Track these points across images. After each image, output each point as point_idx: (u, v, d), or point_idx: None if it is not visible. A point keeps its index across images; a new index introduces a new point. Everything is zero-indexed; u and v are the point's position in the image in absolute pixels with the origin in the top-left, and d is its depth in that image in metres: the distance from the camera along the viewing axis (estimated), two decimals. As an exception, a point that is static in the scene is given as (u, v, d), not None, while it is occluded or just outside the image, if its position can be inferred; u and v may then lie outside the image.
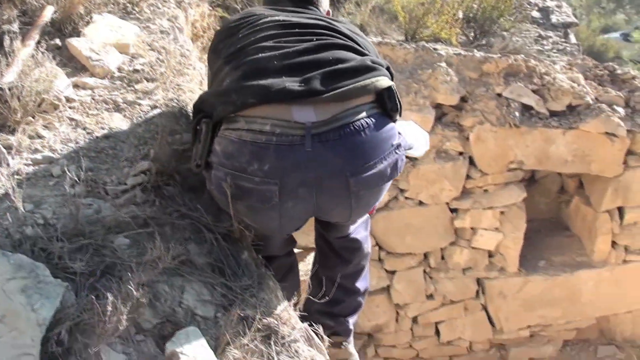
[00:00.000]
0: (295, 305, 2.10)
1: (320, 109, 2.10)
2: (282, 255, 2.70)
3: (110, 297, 1.77)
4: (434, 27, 6.07)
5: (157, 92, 2.91)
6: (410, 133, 2.57)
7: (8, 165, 2.31)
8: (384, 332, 6.50)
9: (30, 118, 2.54)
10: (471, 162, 5.79)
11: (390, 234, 6.00)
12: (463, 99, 5.62)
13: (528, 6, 8.11)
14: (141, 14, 3.46)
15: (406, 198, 5.87)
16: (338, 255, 2.75)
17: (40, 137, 2.51)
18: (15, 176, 2.27)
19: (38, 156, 2.41)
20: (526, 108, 5.61)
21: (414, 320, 6.55)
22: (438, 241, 6.13)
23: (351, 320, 2.89)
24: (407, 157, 2.38)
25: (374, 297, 6.27)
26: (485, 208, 5.94)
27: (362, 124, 2.11)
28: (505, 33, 7.11)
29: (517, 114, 5.50)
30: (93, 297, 1.79)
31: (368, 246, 2.82)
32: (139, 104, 2.82)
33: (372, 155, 2.14)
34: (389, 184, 2.32)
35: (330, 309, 2.79)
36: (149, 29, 3.45)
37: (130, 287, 1.81)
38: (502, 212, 6.01)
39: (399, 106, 2.26)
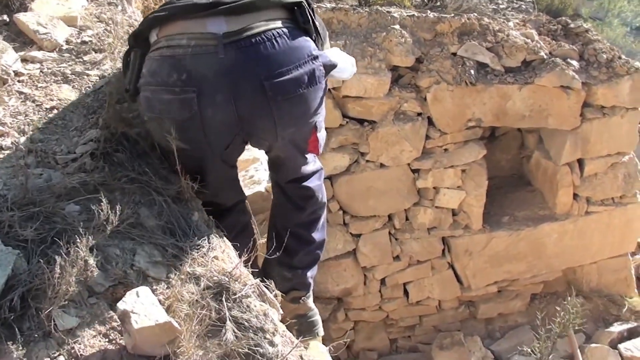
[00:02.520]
0: (247, 262, 2.12)
1: (232, 21, 2.26)
2: (233, 211, 2.71)
3: (58, 261, 1.78)
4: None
5: (105, 62, 2.92)
6: (333, 54, 2.67)
7: (-43, 140, 2.30)
8: (353, 296, 6.57)
9: None
10: (430, 122, 5.84)
11: (354, 198, 6.05)
12: (418, 60, 5.66)
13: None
14: None
15: (367, 161, 5.91)
16: (292, 202, 2.79)
17: None
18: (-34, 149, 2.27)
19: None
20: (481, 66, 5.67)
21: (382, 282, 6.62)
22: (402, 202, 6.18)
23: (309, 274, 2.90)
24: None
25: (340, 261, 6.35)
26: (447, 167, 6.01)
27: (273, 34, 2.27)
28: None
29: (472, 72, 5.56)
30: (43, 262, 1.80)
31: (323, 196, 2.84)
32: (88, 75, 2.82)
33: (285, 62, 2.28)
34: (314, 96, 2.41)
35: (287, 260, 2.82)
36: (96, 1, 3.43)
37: (79, 250, 1.82)
38: (463, 171, 6.08)
39: (312, 22, 2.39)
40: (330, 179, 5.92)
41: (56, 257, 1.81)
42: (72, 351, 1.72)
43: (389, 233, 6.38)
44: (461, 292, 6.84)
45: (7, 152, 2.35)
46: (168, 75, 2.26)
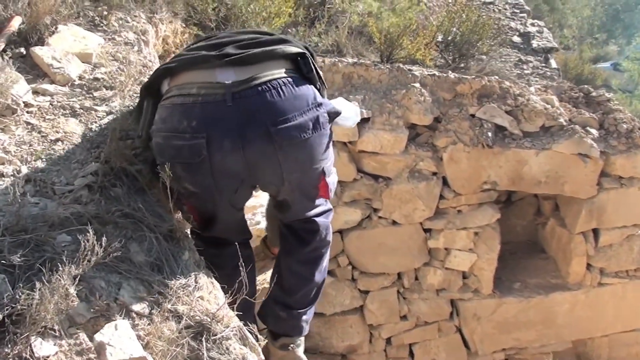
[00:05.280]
0: (232, 304, 2.11)
1: (239, 71, 2.39)
2: (236, 243, 2.71)
3: (39, 287, 1.78)
4: (409, 48, 6.13)
5: (115, 99, 2.99)
6: (337, 102, 2.81)
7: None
8: (357, 353, 6.45)
9: None
10: (445, 182, 5.81)
11: (364, 254, 6.01)
12: (437, 120, 5.66)
13: (509, 31, 8.21)
14: (109, 26, 3.57)
15: (379, 217, 5.88)
16: (296, 235, 2.84)
17: None
18: (-34, 175, 2.30)
19: None
20: (499, 129, 5.66)
21: (388, 341, 6.51)
22: (412, 261, 6.13)
23: (304, 317, 2.89)
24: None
25: (347, 316, 6.27)
26: (459, 228, 5.95)
27: (278, 82, 2.38)
28: (483, 57, 7.18)
29: (490, 134, 5.54)
30: (25, 289, 1.80)
31: (328, 234, 2.87)
32: (95, 110, 2.89)
33: (289, 109, 2.38)
34: (319, 142, 2.50)
35: (284, 298, 2.86)
36: (114, 41, 3.51)
37: (60, 278, 1.82)
38: (476, 233, 6.02)
39: (315, 72, 2.53)
40: (341, 233, 5.90)
41: (38, 283, 1.81)
42: (46, 379, 1.68)
43: (398, 292, 6.30)
44: (467, 357, 6.69)
45: (7, 179, 2.39)
46: (178, 122, 2.35)
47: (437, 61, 6.76)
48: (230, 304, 2.11)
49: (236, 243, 2.65)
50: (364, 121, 5.44)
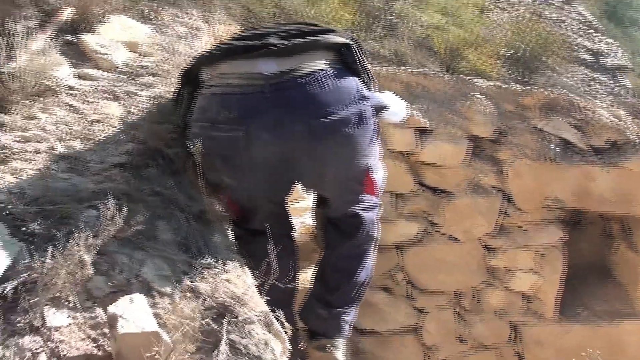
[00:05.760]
0: (260, 287, 2.00)
1: (281, 62, 2.31)
2: (279, 234, 2.63)
3: (51, 253, 1.74)
4: (473, 60, 5.96)
5: (158, 85, 2.98)
6: (385, 96, 2.73)
7: (-3, 140, 2.36)
8: (412, 375, 6.24)
9: (28, 101, 2.63)
10: (508, 198, 5.58)
11: (422, 270, 5.81)
12: (500, 132, 5.46)
13: (581, 49, 7.95)
14: (160, 20, 3.59)
15: (439, 233, 5.69)
16: (339, 230, 2.76)
17: (34, 118, 2.58)
18: (2, 151, 2.33)
19: (28, 134, 2.47)
20: (565, 143, 5.41)
21: (444, 363, 6.27)
22: (470, 279, 5.89)
23: (346, 318, 2.78)
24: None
25: (402, 336, 6.05)
26: (522, 247, 5.69)
27: (321, 74, 2.30)
28: (550, 72, 6.96)
29: (555, 148, 5.31)
30: (43, 259, 1.75)
31: (373, 230, 2.77)
32: (138, 95, 2.90)
33: (332, 102, 2.29)
34: (363, 137, 2.40)
35: (326, 295, 2.77)
36: (165, 33, 3.52)
37: (77, 248, 1.75)
38: (539, 253, 5.74)
39: (361, 64, 2.45)
40: (398, 247, 5.73)
41: (52, 250, 1.77)
42: (56, 350, 1.64)
43: (456, 312, 6.06)
44: (528, 385, 6.39)
45: (43, 155, 2.37)
46: (217, 112, 2.33)
47: (503, 75, 6.57)
48: (261, 289, 2.01)
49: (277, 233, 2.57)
50: (424, 132, 5.30)
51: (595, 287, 6.44)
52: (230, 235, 2.48)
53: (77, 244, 1.75)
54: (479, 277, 5.90)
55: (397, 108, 2.89)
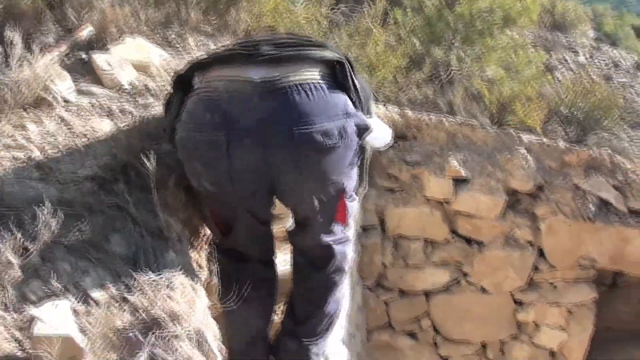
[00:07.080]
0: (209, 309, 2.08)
1: (271, 70, 2.34)
2: (255, 261, 2.69)
3: None
4: (521, 114, 5.98)
5: (156, 106, 3.04)
6: (371, 120, 2.69)
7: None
8: None
9: (22, 111, 2.73)
10: (541, 253, 5.54)
11: (448, 319, 5.80)
12: (539, 188, 5.44)
13: (640, 110, 7.84)
14: (184, 47, 3.64)
15: (469, 283, 5.68)
16: (309, 262, 2.76)
17: (23, 128, 2.69)
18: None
19: (12, 142, 2.58)
20: (604, 203, 5.35)
21: (467, 415, 6.19)
22: (498, 332, 5.84)
23: (314, 350, 2.79)
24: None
25: (425, 384, 6.02)
26: (551, 304, 5.63)
27: (309, 85, 2.33)
28: (608, 135, 6.87)
29: (593, 207, 5.27)
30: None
31: (344, 263, 2.78)
32: (133, 114, 2.96)
33: (316, 113, 2.32)
34: (343, 153, 2.42)
35: (295, 326, 2.78)
36: (179, 55, 3.58)
37: (7, 253, 1.88)
38: (569, 311, 5.67)
39: (352, 82, 2.45)
40: (426, 294, 5.75)
41: None
42: (-23, 349, 1.72)
43: (481, 363, 6.02)
44: None
45: (20, 164, 2.48)
46: (202, 115, 2.37)
47: (553, 132, 6.54)
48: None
49: (257, 260, 2.63)
50: (461, 182, 5.33)
51: (631, 352, 6.30)
52: (197, 256, 2.53)
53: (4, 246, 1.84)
54: (507, 330, 5.85)
55: (381, 133, 2.89)
